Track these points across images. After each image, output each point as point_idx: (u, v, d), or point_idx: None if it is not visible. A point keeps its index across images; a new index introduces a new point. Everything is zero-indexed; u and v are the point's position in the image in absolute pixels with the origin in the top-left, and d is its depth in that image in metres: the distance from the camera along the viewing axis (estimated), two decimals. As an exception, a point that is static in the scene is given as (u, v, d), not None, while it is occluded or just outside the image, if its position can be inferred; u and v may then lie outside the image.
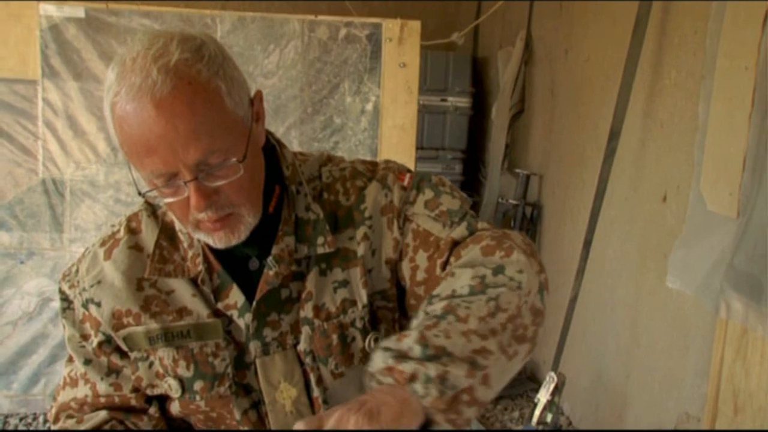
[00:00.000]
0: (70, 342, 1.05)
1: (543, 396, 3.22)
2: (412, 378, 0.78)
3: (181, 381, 1.00)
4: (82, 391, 1.04)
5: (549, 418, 3.23)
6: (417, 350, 0.79)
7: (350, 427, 0.73)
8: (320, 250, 1.00)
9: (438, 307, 0.85)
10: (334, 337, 1.01)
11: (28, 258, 3.30)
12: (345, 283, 1.01)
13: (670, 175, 2.86)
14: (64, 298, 1.05)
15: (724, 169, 2.47)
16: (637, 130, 3.10)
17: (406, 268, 1.02)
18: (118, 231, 1.04)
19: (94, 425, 1.02)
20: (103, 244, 1.05)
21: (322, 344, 1.01)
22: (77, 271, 1.04)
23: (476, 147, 4.96)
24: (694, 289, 2.65)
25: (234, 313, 0.99)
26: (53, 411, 1.07)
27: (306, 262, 1.01)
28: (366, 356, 1.01)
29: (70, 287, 1.04)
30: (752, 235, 2.34)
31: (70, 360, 1.06)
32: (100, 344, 1.02)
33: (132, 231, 1.03)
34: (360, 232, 1.02)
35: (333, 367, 1.01)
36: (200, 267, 0.99)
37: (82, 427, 1.02)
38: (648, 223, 3.04)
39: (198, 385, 1.00)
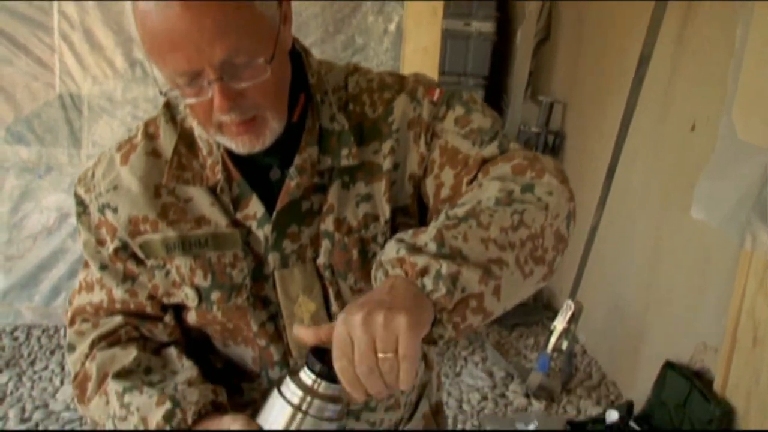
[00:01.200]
0: (86, 247, 1.03)
1: (559, 323, 3.23)
2: (423, 272, 0.76)
3: (198, 290, 0.98)
4: (97, 296, 1.03)
5: (564, 345, 3.25)
6: (432, 246, 0.77)
7: (380, 327, 0.70)
8: (344, 162, 0.97)
9: (460, 210, 0.83)
10: (355, 252, 0.98)
11: (46, 173, 3.30)
12: (368, 198, 0.98)
13: (700, 105, 2.78)
14: (80, 203, 1.02)
15: (759, 97, 2.39)
16: (667, 57, 3.00)
17: (430, 184, 0.98)
18: (135, 136, 1.01)
19: (109, 329, 1.01)
20: (119, 148, 1.01)
21: (341, 259, 0.98)
22: (93, 175, 1.01)
23: (499, 73, 4.86)
24: (718, 221, 2.61)
25: (253, 224, 0.97)
26: (69, 314, 1.06)
27: (329, 174, 0.98)
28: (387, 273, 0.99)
29: (86, 191, 1.01)
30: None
31: (86, 265, 1.05)
32: (116, 251, 1.00)
33: (150, 136, 1.00)
34: (386, 145, 0.98)
35: (352, 283, 0.99)
36: (219, 175, 0.96)
37: (97, 331, 1.01)
38: (674, 154, 2.97)
39: (215, 296, 0.98)
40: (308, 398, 0.79)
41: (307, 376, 0.79)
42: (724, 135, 2.57)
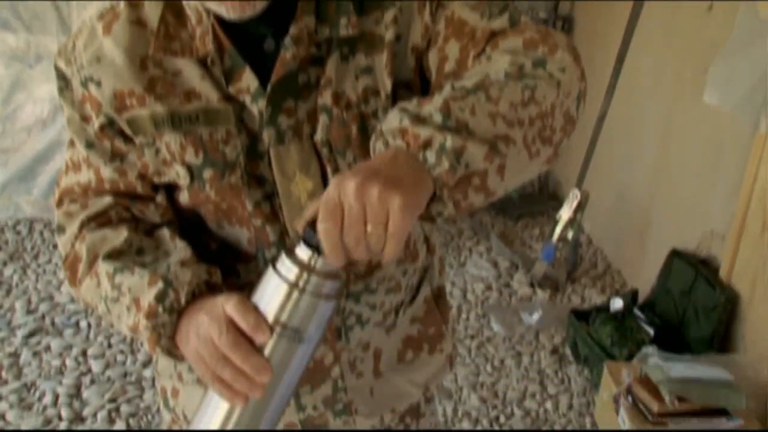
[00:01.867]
0: (71, 124, 0.97)
1: (565, 213, 3.20)
2: (426, 144, 0.71)
3: (189, 168, 0.93)
4: (85, 175, 0.97)
5: (570, 235, 3.23)
6: (437, 117, 0.73)
7: (374, 200, 0.67)
8: (343, 32, 0.90)
9: (468, 82, 0.77)
10: (354, 127, 0.92)
11: (36, 62, 3.19)
12: (368, 71, 0.92)
13: (720, -19, 2.64)
14: (61, 77, 0.95)
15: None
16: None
17: (433, 58, 0.91)
18: (117, 4, 0.93)
19: (99, 210, 0.96)
20: (101, 17, 0.94)
21: (340, 135, 0.92)
22: (74, 46, 0.94)
23: (506, -44, 4.64)
24: (732, 105, 2.52)
25: (247, 99, 0.90)
26: (56, 195, 1.02)
27: (327, 45, 0.91)
28: (387, 144, 0.93)
29: (67, 64, 0.94)
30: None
31: (72, 144, 0.99)
32: (102, 127, 0.93)
33: (133, 5, 0.92)
34: (389, 14, 0.91)
35: (351, 160, 0.93)
36: (209, 46, 0.89)
37: (86, 212, 0.96)
38: (688, 36, 2.85)
39: (207, 174, 0.92)
40: (305, 275, 0.75)
41: (303, 251, 0.75)
42: (744, 13, 2.44)
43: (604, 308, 2.80)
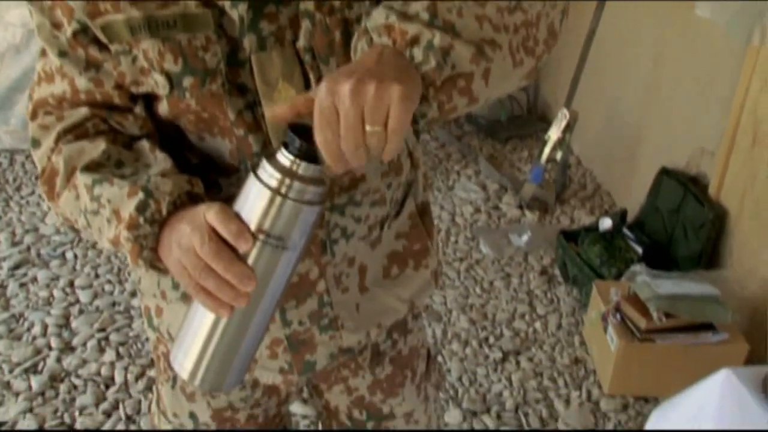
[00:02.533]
0: (41, 32, 0.91)
1: (553, 133, 3.15)
2: (414, 41, 0.71)
3: (168, 76, 0.88)
4: (59, 87, 0.92)
5: (558, 156, 3.19)
6: (424, 15, 0.72)
7: (371, 99, 0.66)
8: None
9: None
10: (337, 33, 0.88)
11: (5, -15, 3.07)
12: None
13: None
14: None
15: None
16: None
17: None
18: None
19: (75, 122, 0.91)
20: None
21: (323, 41, 0.88)
22: None
23: None
24: (726, 19, 2.45)
25: (226, 4, 0.85)
26: (30, 107, 0.96)
27: None
28: (371, 42, 0.90)
29: None
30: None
31: (44, 53, 0.93)
32: (74, 34, 0.87)
33: None
34: None
35: (335, 67, 0.89)
36: None
37: (62, 124, 0.92)
38: (682, -55, 2.76)
39: (187, 81, 0.88)
40: (287, 180, 0.73)
41: (285, 156, 0.73)
42: None
43: (593, 228, 2.79)
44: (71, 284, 2.63)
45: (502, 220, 3.16)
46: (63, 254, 2.79)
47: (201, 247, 0.75)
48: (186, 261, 0.77)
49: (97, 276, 2.68)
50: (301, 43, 0.88)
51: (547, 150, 3.10)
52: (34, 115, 0.95)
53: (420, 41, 0.71)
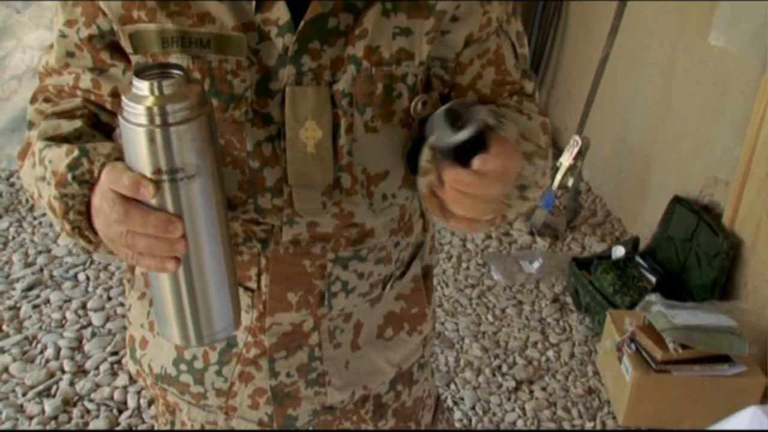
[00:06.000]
0: (55, 27, 0.91)
1: (565, 160, 3.16)
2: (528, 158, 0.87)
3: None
4: (64, 79, 0.91)
5: (570, 182, 3.20)
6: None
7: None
8: None
9: (515, 133, 0.87)
10: (380, 85, 0.88)
11: (24, 7, 3.09)
12: (407, 32, 0.87)
13: None
14: None
15: None
16: None
17: (469, 61, 0.94)
18: None
19: (65, 108, 0.90)
20: None
21: (364, 90, 0.88)
22: None
23: None
24: (740, 45, 2.47)
25: (273, 30, 0.85)
26: (32, 95, 0.96)
27: None
28: (408, 118, 0.91)
29: None
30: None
31: (52, 46, 0.93)
32: (90, 37, 0.87)
33: None
34: None
35: (369, 119, 0.89)
36: None
37: (53, 109, 0.90)
38: (694, -26, 2.78)
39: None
40: (152, 109, 0.68)
41: (140, 86, 0.69)
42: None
43: (606, 256, 2.79)
44: (83, 306, 2.63)
45: (513, 247, 3.16)
46: (75, 276, 2.79)
47: (111, 215, 0.72)
48: (109, 233, 0.74)
49: (109, 298, 2.68)
50: (341, 86, 0.88)
51: (558, 176, 3.10)
52: (33, 100, 0.95)
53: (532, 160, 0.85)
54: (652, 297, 2.30)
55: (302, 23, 0.84)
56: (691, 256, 2.60)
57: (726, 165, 2.55)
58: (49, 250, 2.94)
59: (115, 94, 0.90)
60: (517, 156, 0.78)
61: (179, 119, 0.69)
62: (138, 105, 0.68)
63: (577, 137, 3.10)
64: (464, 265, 3.00)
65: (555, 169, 3.19)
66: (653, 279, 2.58)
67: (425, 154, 0.79)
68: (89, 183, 0.77)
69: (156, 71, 0.71)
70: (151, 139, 0.69)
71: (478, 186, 0.72)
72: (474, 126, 0.71)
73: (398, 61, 0.88)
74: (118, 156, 0.77)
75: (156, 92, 0.68)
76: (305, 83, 0.87)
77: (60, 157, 0.79)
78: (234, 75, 0.86)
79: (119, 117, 0.71)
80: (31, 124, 0.93)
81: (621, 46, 3.11)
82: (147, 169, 0.70)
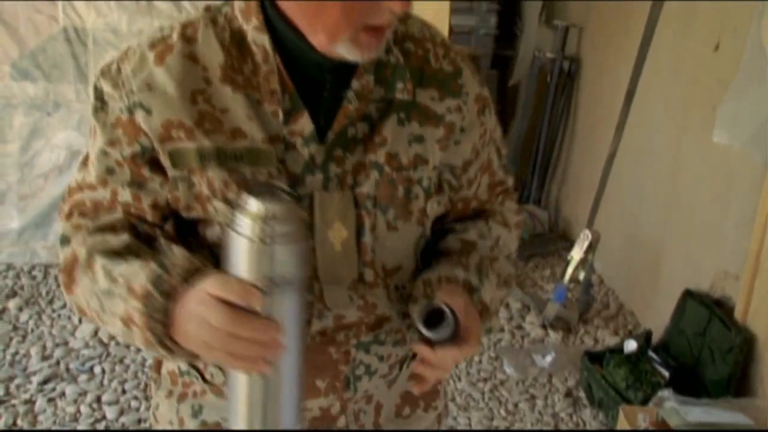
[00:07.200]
0: (93, 147, 0.96)
1: (576, 254, 3.20)
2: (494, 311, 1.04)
3: (231, 205, 0.90)
4: (100, 194, 0.96)
5: (581, 275, 3.23)
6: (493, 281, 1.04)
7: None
8: (399, 96, 0.96)
9: (479, 258, 1.03)
10: (401, 188, 0.97)
11: (54, 110, 3.25)
12: (420, 140, 0.97)
13: (726, 20, 2.67)
14: (99, 97, 0.95)
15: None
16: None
17: (469, 169, 1.05)
18: (170, 36, 0.94)
19: (105, 222, 0.95)
20: (152, 46, 0.93)
21: (387, 192, 0.96)
22: (118, 69, 0.93)
23: (513, -2, 4.71)
24: (743, 142, 2.54)
25: (298, 141, 0.92)
26: (66, 208, 1.00)
27: (382, 106, 0.96)
28: (423, 217, 1.01)
29: (114, 87, 0.93)
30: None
31: (85, 164, 0.98)
32: (133, 155, 0.93)
33: (187, 39, 0.93)
34: (453, 102, 1.00)
35: (391, 218, 0.97)
36: (274, 85, 0.91)
37: (94, 223, 0.95)
38: (696, 73, 2.88)
39: None
40: (253, 223, 0.76)
41: (254, 204, 0.77)
42: (751, 51, 2.47)
43: (618, 350, 2.78)
44: (98, 400, 2.64)
45: (526, 340, 3.16)
46: (91, 368, 2.82)
47: (216, 320, 0.77)
48: (207, 337, 0.79)
49: (123, 392, 2.70)
50: (365, 190, 0.95)
51: (569, 270, 3.14)
52: (69, 215, 0.98)
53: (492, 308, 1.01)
54: (665, 392, 2.28)
55: (331, 135, 0.92)
56: (704, 350, 2.60)
57: (736, 259, 2.58)
58: (66, 343, 2.98)
59: (155, 206, 0.95)
60: (476, 348, 0.94)
61: (289, 237, 0.77)
62: (253, 222, 0.77)
63: (587, 231, 3.16)
64: (476, 358, 3.00)
65: (566, 263, 3.23)
66: (666, 373, 2.57)
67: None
68: (171, 295, 0.83)
69: (264, 189, 0.80)
70: (263, 252, 0.77)
71: (437, 364, 0.92)
72: (447, 331, 0.88)
73: (415, 166, 0.97)
74: (192, 266, 0.85)
75: (269, 212, 0.77)
76: (331, 188, 0.94)
77: (135, 272, 0.86)
78: None
79: (229, 229, 0.79)
80: (65, 239, 0.97)
81: (628, 141, 3.20)
82: (254, 278, 0.77)
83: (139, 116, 0.92)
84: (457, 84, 1.00)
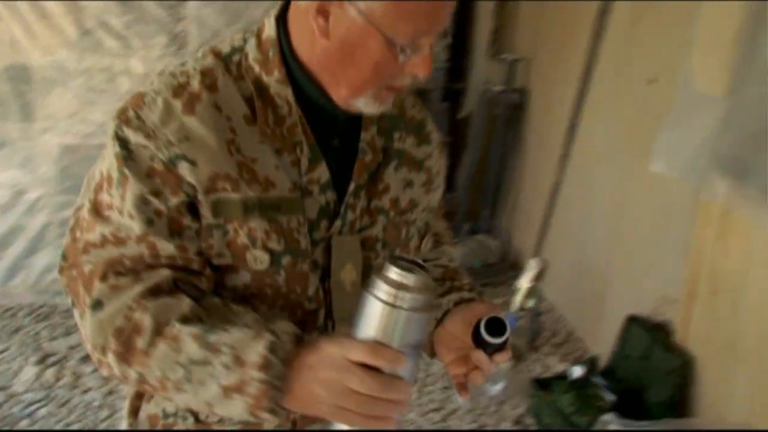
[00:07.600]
0: (131, 199, 0.91)
1: (524, 282, 3.23)
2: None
3: (271, 254, 0.95)
4: (134, 249, 0.91)
5: (530, 304, 3.26)
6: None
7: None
8: (397, 145, 1.05)
9: (464, 279, 1.14)
10: (403, 231, 1.07)
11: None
12: (410, 184, 1.07)
13: (661, 56, 2.76)
14: (125, 146, 0.91)
15: (716, 45, 2.37)
16: (627, 7, 2.98)
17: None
18: (188, 83, 0.93)
19: (157, 282, 0.91)
20: (176, 95, 0.92)
21: (393, 235, 1.05)
22: (139, 117, 0.91)
23: (463, 32, 4.80)
24: (678, 172, 2.61)
25: (314, 188, 0.98)
26: (99, 270, 0.92)
27: (382, 153, 1.04)
28: (417, 254, 1.13)
29: (146, 137, 0.90)
30: (741, 115, 2.28)
31: (99, 215, 0.92)
32: (179, 205, 0.91)
33: (209, 88, 0.93)
34: (429, 149, 1.10)
35: None
36: (300, 137, 0.96)
37: (142, 285, 0.90)
38: (636, 107, 2.96)
39: (286, 260, 0.96)
40: (399, 293, 0.82)
41: (396, 273, 0.83)
42: (683, 86, 2.55)
43: (565, 376, 2.81)
44: (41, 442, 2.59)
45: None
46: (33, 414, 2.76)
47: (362, 385, 0.81)
48: (347, 403, 0.82)
49: (67, 433, 2.64)
50: (374, 233, 1.04)
51: (518, 299, 3.16)
52: (104, 277, 0.92)
53: None
54: (607, 416, 2.32)
55: (353, 186, 1.00)
56: (648, 373, 2.64)
57: (674, 284, 2.64)
58: (8, 387, 2.91)
59: (200, 253, 0.94)
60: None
61: (427, 306, 0.84)
62: (397, 291, 0.83)
63: (533, 261, 3.19)
64: (429, 387, 3.00)
65: (514, 292, 3.26)
66: (611, 398, 2.60)
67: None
68: (290, 361, 0.85)
69: (402, 261, 0.85)
70: (409, 319, 0.83)
71: (488, 369, 0.97)
72: (505, 337, 0.94)
73: (411, 210, 1.08)
74: (296, 330, 0.89)
75: (405, 282, 0.83)
76: (344, 233, 1.01)
77: (241, 340, 0.86)
78: (298, 232, 0.97)
79: (370, 295, 0.83)
80: (98, 303, 0.91)
81: (575, 171, 3.27)
82: (393, 341, 0.83)
83: (183, 168, 0.90)
84: (425, 132, 1.11)
